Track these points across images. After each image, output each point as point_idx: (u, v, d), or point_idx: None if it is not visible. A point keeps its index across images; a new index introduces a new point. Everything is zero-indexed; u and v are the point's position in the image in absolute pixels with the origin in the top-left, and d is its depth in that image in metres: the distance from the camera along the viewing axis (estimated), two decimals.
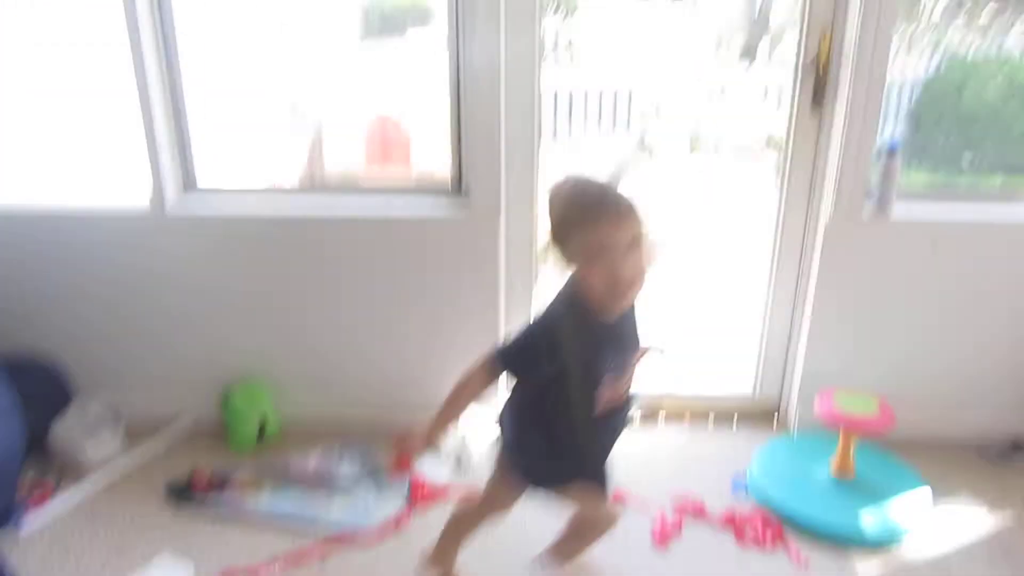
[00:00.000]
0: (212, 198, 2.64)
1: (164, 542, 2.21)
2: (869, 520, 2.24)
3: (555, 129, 7.10)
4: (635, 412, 2.76)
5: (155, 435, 2.66)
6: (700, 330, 3.63)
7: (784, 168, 2.58)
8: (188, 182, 2.63)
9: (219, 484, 2.43)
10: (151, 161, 2.51)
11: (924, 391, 2.63)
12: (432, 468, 2.52)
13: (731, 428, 2.78)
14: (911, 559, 2.19)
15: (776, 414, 2.81)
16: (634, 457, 2.56)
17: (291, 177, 4.84)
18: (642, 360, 1.78)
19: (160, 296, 2.65)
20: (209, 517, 2.31)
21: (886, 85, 2.34)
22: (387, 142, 5.28)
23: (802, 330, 2.63)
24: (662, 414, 2.81)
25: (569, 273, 1.65)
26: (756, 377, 2.80)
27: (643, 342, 1.77)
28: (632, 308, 1.72)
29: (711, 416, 2.82)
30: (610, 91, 7.03)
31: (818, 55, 2.41)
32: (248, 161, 4.32)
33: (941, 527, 2.30)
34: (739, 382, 2.85)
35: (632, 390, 1.79)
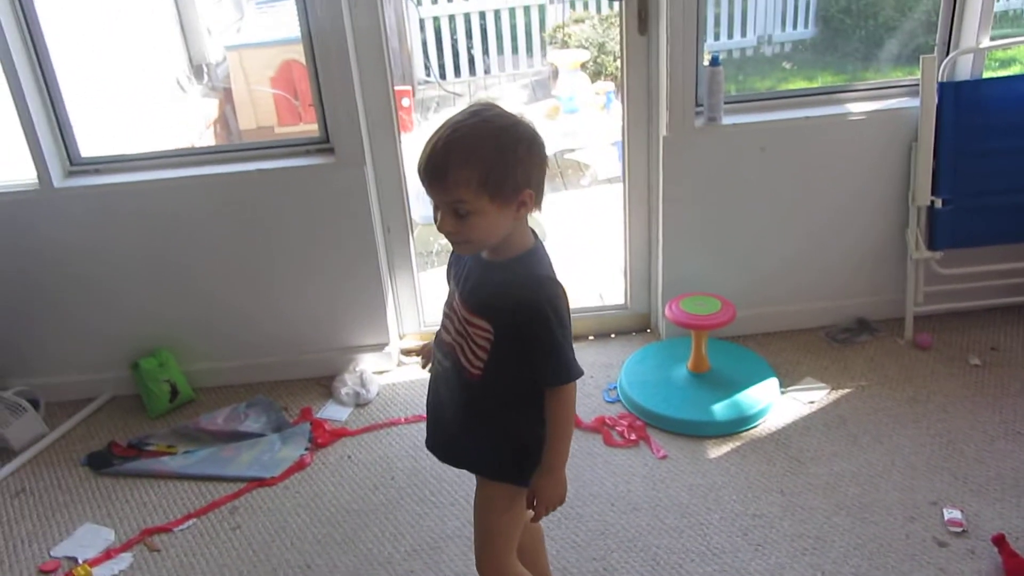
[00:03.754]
0: (97, 169, 2.71)
1: (87, 509, 2.40)
2: (720, 409, 2.49)
3: (430, 68, 7.10)
4: None
5: (75, 414, 2.83)
6: (573, 249, 3.85)
7: (623, 88, 2.73)
8: (73, 155, 2.70)
9: (136, 450, 2.63)
10: (28, 138, 2.59)
11: (772, 286, 2.87)
12: (332, 410, 2.73)
13: (608, 342, 2.99)
14: (757, 438, 2.45)
15: (648, 323, 3.03)
16: None
17: (200, 139, 4.93)
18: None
19: (61, 274, 2.74)
20: (128, 482, 2.50)
21: (701, 6, 2.49)
22: (299, 83, 5.34)
23: (658, 241, 2.82)
24: None
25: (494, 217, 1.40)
26: (626, 290, 3.00)
27: None
28: None
29: (590, 333, 3.02)
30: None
31: None
32: (142, 129, 4.40)
33: (787, 407, 2.56)
34: (612, 297, 3.06)
35: None
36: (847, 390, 2.62)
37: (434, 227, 1.46)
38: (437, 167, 1.36)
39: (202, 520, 2.33)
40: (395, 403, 2.75)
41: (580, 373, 1.48)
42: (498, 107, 1.43)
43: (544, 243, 1.54)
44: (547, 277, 1.47)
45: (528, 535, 1.82)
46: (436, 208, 1.42)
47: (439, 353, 1.58)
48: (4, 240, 2.70)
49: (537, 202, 1.45)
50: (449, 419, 1.60)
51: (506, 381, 1.49)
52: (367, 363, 2.88)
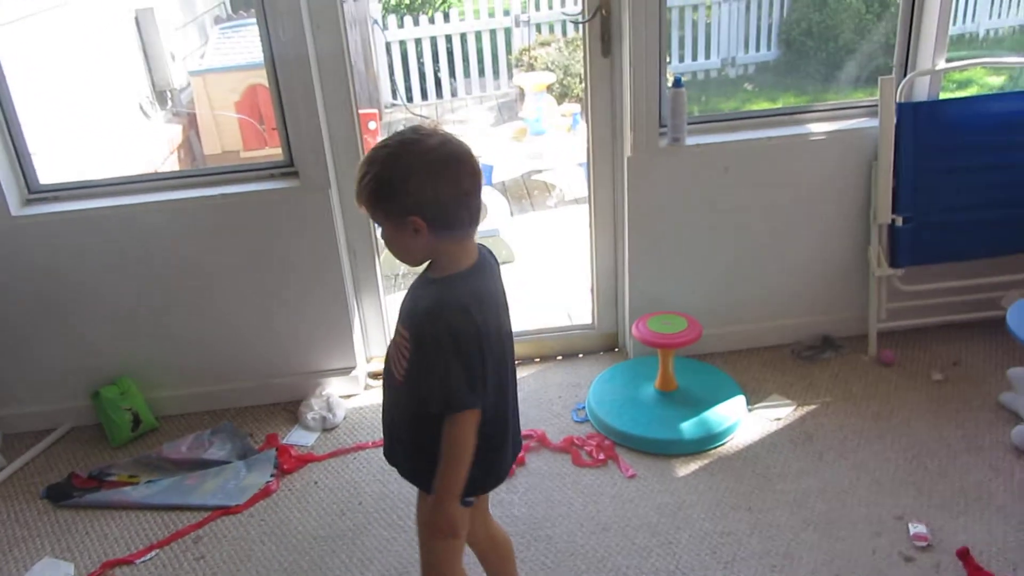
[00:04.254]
0: (56, 196, 2.67)
1: (46, 543, 2.34)
2: (688, 427, 2.50)
3: (397, 91, 7.13)
4: None
5: (34, 445, 2.76)
6: (541, 269, 3.86)
7: (587, 110, 2.75)
8: (31, 182, 2.66)
9: (96, 482, 2.57)
10: None
11: (738, 304, 2.89)
12: (298, 435, 2.70)
13: (576, 362, 2.99)
14: (724, 456, 2.46)
15: (616, 343, 3.04)
16: None
17: (163, 164, 4.88)
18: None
19: (19, 303, 2.69)
20: (89, 515, 2.45)
21: (665, 27, 2.52)
22: (264, 107, 5.33)
23: (624, 260, 2.83)
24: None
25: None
26: (593, 310, 3.01)
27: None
28: None
29: (558, 353, 3.02)
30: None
31: (600, 7, 2.56)
32: (104, 155, 4.35)
33: (754, 425, 2.57)
34: (580, 317, 3.06)
35: None
36: (813, 407, 2.64)
37: None
38: (356, 181, 1.46)
39: (165, 551, 2.28)
40: (362, 427, 2.72)
41: (470, 406, 1.46)
42: (426, 131, 1.46)
43: (492, 269, 1.57)
44: (455, 304, 1.45)
45: (494, 552, 1.84)
46: None
47: (387, 357, 1.62)
48: None
49: (442, 226, 1.45)
50: (387, 423, 1.66)
51: (420, 393, 1.50)
52: (334, 387, 2.85)
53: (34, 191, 2.67)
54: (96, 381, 2.77)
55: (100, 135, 4.42)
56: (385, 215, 1.46)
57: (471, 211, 1.49)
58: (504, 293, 1.60)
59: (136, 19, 5.14)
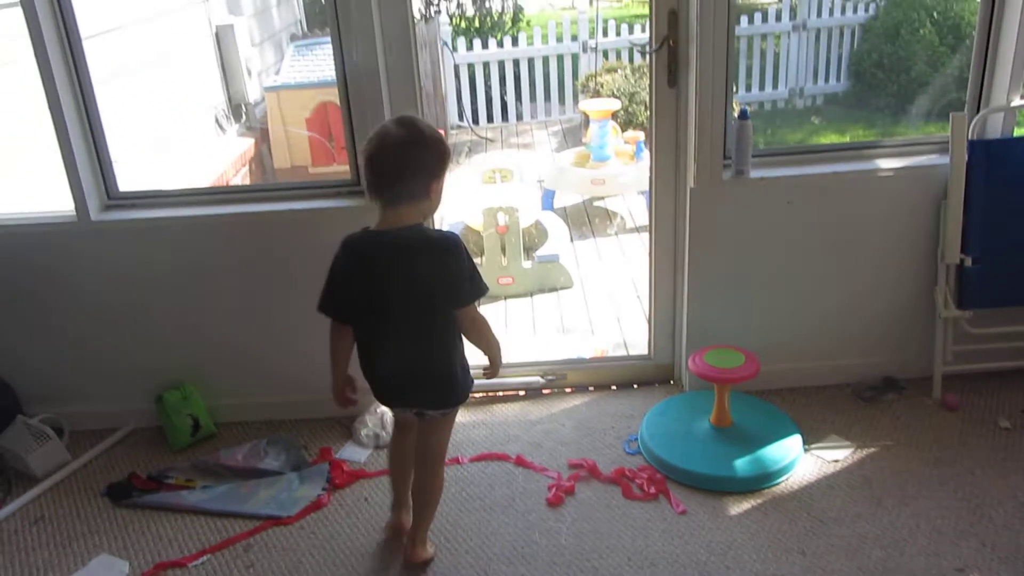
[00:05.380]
0: (134, 203, 2.77)
1: (104, 540, 2.41)
2: (742, 465, 2.45)
3: (464, 113, 7.20)
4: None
5: (98, 443, 2.85)
6: (599, 298, 3.84)
7: (652, 141, 2.75)
8: (111, 189, 2.76)
9: (155, 483, 2.64)
10: (68, 171, 2.65)
11: (798, 341, 2.84)
12: (351, 451, 2.73)
13: (630, 392, 2.97)
14: (778, 496, 2.41)
15: (672, 375, 3.01)
16: (538, 426, 2.78)
17: (235, 176, 5.02)
18: None
19: (92, 305, 2.79)
20: (145, 515, 2.51)
21: (732, 58, 2.51)
22: (334, 125, 5.45)
23: (683, 292, 2.81)
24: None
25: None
26: (650, 341, 2.99)
27: None
28: None
29: (613, 383, 3.00)
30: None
31: (667, 36, 2.56)
32: (180, 165, 4.49)
33: (810, 465, 2.52)
34: (637, 347, 3.04)
35: None
36: (872, 449, 2.57)
37: None
38: None
39: (216, 556, 2.32)
40: None
41: (320, 310, 2.08)
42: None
43: (394, 241, 1.98)
44: (344, 239, 2.05)
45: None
46: None
47: None
48: (39, 270, 2.75)
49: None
50: None
51: None
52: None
53: (113, 197, 2.77)
54: (160, 385, 2.85)
55: (177, 146, 4.58)
56: None
57: (370, 183, 1.96)
58: (392, 262, 1.97)
59: (216, 35, 5.32)
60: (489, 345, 2.09)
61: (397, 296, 1.99)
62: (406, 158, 1.93)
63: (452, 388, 2.07)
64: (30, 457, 2.68)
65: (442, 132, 2.05)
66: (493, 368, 2.13)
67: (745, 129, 2.57)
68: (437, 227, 2.96)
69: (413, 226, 1.97)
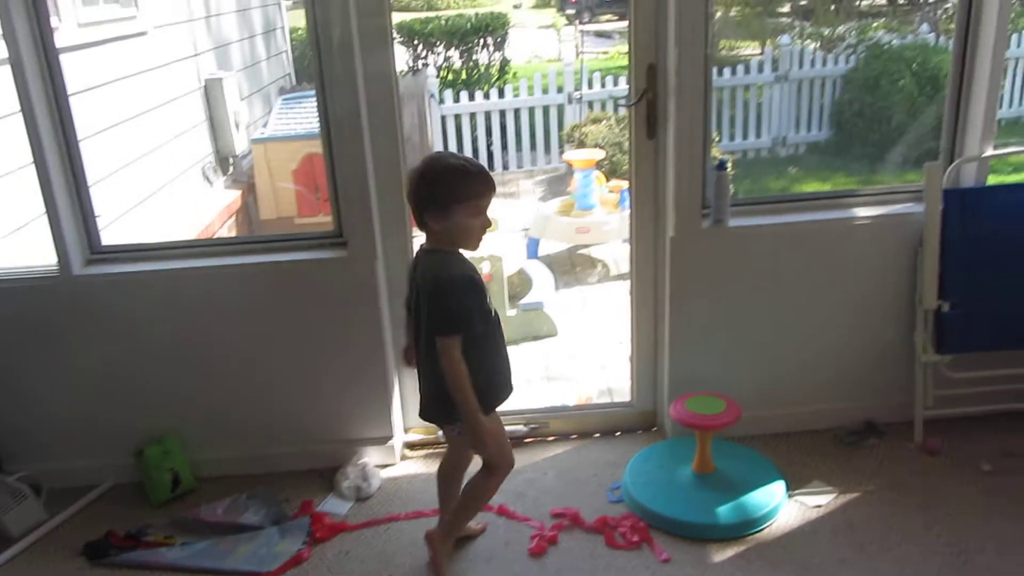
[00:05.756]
0: (117, 257, 2.78)
1: None
2: (725, 512, 2.44)
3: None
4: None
5: (76, 501, 2.81)
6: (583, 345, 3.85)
7: (632, 190, 2.79)
8: (94, 242, 2.76)
9: (133, 541, 2.60)
10: (52, 224, 2.66)
11: (779, 387, 2.85)
12: (333, 503, 2.71)
13: (613, 440, 2.96)
14: (762, 543, 2.39)
15: (654, 422, 3.01)
16: (521, 475, 2.76)
17: (221, 228, 5.05)
18: None
19: (73, 359, 2.78)
20: (123, 574, 2.47)
21: (709, 111, 2.58)
22: (319, 176, 5.49)
23: (665, 339, 2.83)
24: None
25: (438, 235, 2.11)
26: (632, 387, 2.99)
27: None
28: None
29: (596, 431, 2.98)
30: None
31: (646, 90, 2.62)
32: (165, 217, 4.51)
33: (793, 511, 2.51)
34: (621, 394, 3.04)
35: None
36: (855, 494, 2.57)
37: None
38: None
39: None
40: (396, 498, 2.72)
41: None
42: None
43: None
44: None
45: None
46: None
47: None
48: (20, 324, 2.74)
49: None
50: None
51: None
52: (370, 456, 2.86)
53: (96, 251, 2.78)
54: (142, 439, 2.82)
55: (165, 198, 4.60)
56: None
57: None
58: (415, 280, 2.20)
59: (205, 88, 5.38)
60: (446, 376, 2.10)
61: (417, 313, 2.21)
62: (414, 190, 2.12)
63: (442, 404, 2.18)
64: (6, 517, 2.64)
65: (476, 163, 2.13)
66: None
67: (723, 179, 2.61)
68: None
69: (432, 250, 2.17)
